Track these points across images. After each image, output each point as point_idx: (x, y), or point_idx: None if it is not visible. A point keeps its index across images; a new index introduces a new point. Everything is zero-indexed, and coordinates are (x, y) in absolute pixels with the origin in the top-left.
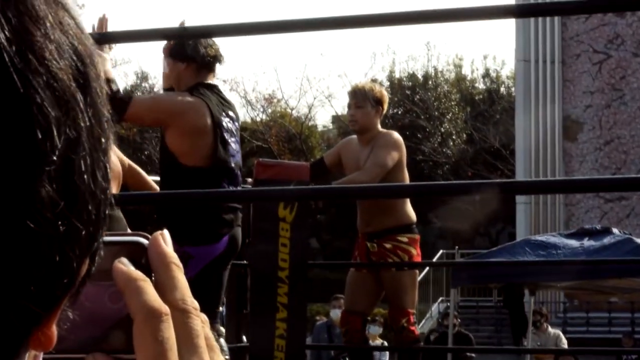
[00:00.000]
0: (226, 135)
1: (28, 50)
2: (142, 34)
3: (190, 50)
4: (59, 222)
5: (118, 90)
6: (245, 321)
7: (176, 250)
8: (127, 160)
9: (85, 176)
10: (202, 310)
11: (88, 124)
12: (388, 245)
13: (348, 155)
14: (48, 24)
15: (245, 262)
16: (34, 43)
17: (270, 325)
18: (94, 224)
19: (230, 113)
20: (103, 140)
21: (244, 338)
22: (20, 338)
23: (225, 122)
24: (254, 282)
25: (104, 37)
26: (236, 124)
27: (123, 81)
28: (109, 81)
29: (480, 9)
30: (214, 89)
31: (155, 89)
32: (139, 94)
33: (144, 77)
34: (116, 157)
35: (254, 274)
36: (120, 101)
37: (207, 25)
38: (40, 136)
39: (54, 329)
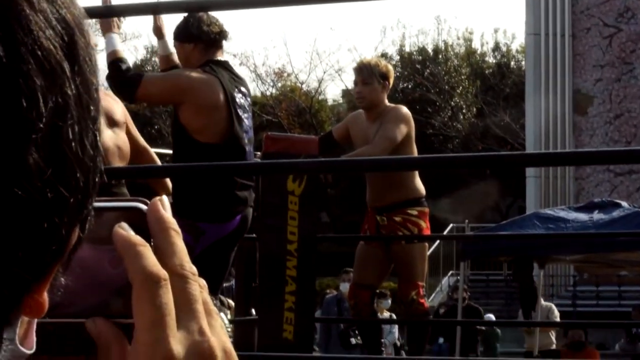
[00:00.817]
0: (239, 111)
1: (13, 21)
2: (151, 7)
3: (195, 30)
4: (47, 190)
5: (128, 69)
6: (254, 294)
7: (189, 224)
8: (143, 144)
9: (73, 144)
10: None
11: (75, 92)
12: (398, 219)
13: (356, 129)
14: None
15: (254, 235)
16: (19, 13)
17: (279, 298)
18: (83, 192)
19: (243, 89)
20: (92, 108)
21: (253, 311)
22: (10, 305)
23: (238, 97)
24: (262, 255)
25: (111, 10)
26: (248, 99)
27: (133, 55)
28: (119, 60)
29: None
30: (224, 64)
31: None
32: (149, 69)
33: (154, 52)
34: (126, 137)
35: (262, 247)
36: (131, 80)
37: None
38: (25, 104)
39: (45, 296)
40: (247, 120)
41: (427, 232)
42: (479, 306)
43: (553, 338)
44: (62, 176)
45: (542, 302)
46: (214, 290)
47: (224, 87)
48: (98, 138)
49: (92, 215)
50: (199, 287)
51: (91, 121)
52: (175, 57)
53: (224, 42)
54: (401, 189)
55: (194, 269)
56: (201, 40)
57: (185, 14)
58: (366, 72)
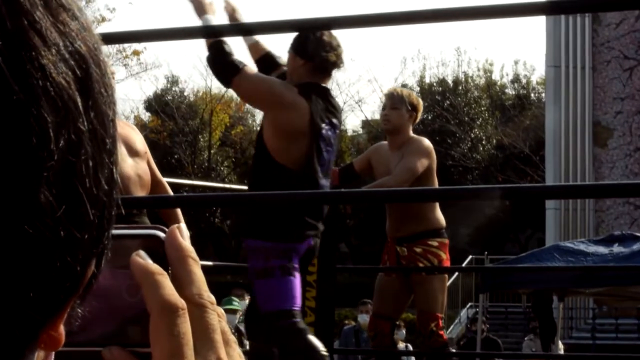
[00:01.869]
0: (322, 144)
1: (24, 56)
2: (167, 33)
3: (312, 49)
4: (59, 227)
5: (231, 52)
6: None
7: (276, 247)
8: (159, 176)
9: (87, 180)
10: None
11: (90, 126)
12: (418, 250)
13: (379, 160)
14: (46, 27)
15: None
16: (30, 48)
17: None
18: (98, 228)
19: (334, 120)
20: (107, 141)
21: None
22: (25, 342)
23: (325, 129)
24: None
25: (130, 36)
26: (336, 131)
27: (154, 85)
28: (222, 41)
29: (510, 6)
30: (324, 92)
31: (185, 93)
32: (169, 99)
33: (174, 81)
34: (146, 167)
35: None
36: (232, 65)
37: (239, 23)
38: (36, 142)
39: (61, 330)
40: (326, 154)
41: (447, 263)
42: (497, 338)
43: None
44: (75, 213)
45: None
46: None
47: (312, 116)
48: (115, 171)
49: (109, 248)
50: (217, 317)
51: (107, 155)
52: (264, 45)
53: (334, 71)
54: (422, 220)
55: (212, 298)
56: (313, 61)
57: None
58: (397, 98)
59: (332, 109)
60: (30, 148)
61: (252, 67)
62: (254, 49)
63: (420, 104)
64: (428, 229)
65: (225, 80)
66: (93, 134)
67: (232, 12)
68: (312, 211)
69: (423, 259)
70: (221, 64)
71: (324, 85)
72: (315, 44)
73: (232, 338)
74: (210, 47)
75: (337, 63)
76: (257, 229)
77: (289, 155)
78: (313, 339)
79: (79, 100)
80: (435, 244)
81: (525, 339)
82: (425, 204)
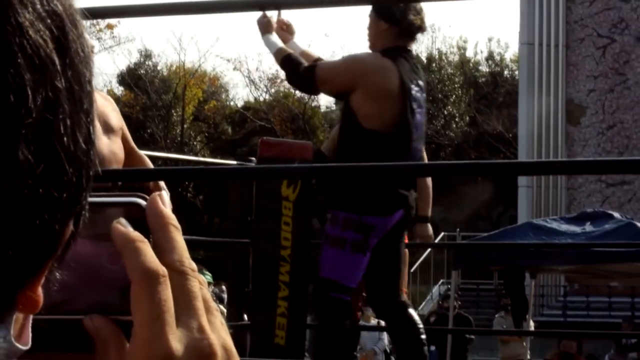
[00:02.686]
0: (414, 104)
1: (1, 15)
2: (142, 9)
3: (399, 14)
4: (38, 186)
5: (299, 63)
6: (247, 300)
7: (356, 221)
8: (135, 150)
9: (65, 138)
10: (386, 281)
11: (67, 85)
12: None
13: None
14: None
15: (247, 240)
16: (7, 6)
17: (272, 303)
18: (76, 187)
19: (420, 82)
20: (85, 100)
21: (245, 316)
22: (3, 302)
23: (415, 90)
24: (256, 260)
25: (102, 12)
26: (424, 94)
27: (127, 59)
28: (288, 56)
29: None
30: (408, 54)
31: (158, 67)
32: (142, 72)
33: (147, 55)
34: (121, 144)
35: (256, 252)
36: (307, 74)
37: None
38: (14, 100)
39: (40, 292)
40: (419, 115)
41: (406, 240)
42: (468, 315)
43: (528, 348)
44: (53, 172)
45: None
46: (395, 288)
47: (401, 76)
48: (92, 131)
49: (86, 210)
50: (198, 284)
51: (84, 114)
52: (312, 52)
53: (419, 34)
54: None
55: (194, 265)
56: (399, 25)
57: None
58: None
59: (417, 71)
60: (8, 106)
61: (322, 63)
62: (304, 56)
63: None
64: None
65: (311, 90)
66: (70, 93)
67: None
68: (403, 181)
69: None
70: (299, 76)
71: (408, 48)
72: (402, 8)
73: (214, 305)
74: (282, 66)
75: (422, 27)
76: (342, 200)
77: (382, 119)
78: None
79: (56, 58)
80: None
81: (496, 315)
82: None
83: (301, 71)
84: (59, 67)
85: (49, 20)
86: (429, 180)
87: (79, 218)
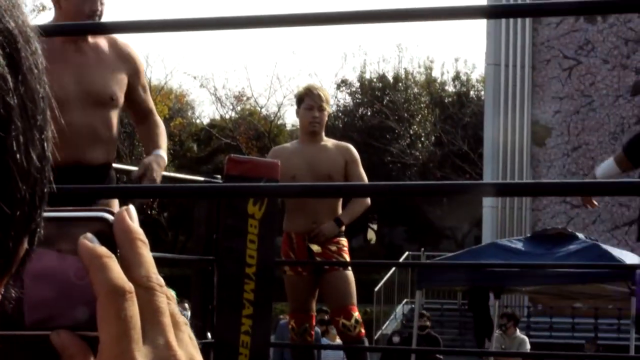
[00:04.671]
0: None
1: None
2: (106, 27)
3: None
4: None
5: None
6: (211, 317)
7: None
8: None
9: (18, 155)
10: None
11: (19, 102)
12: (333, 248)
13: (289, 159)
14: None
15: (212, 257)
16: None
17: (236, 321)
18: (30, 204)
19: None
20: (39, 117)
21: (209, 334)
22: None
23: None
24: (220, 278)
25: (67, 29)
26: None
27: None
28: None
29: (452, 9)
30: None
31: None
32: None
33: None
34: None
35: (221, 270)
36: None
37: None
38: None
39: None
40: None
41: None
42: (437, 335)
43: None
44: (6, 189)
45: (518, 333)
46: None
47: None
48: (46, 147)
49: (41, 227)
50: (166, 299)
51: (38, 131)
52: None
53: None
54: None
55: (161, 281)
56: None
57: None
58: (324, 99)
59: None
60: None
61: None
62: None
63: None
64: (340, 229)
65: None
66: (23, 110)
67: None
68: None
69: (338, 256)
70: None
71: None
72: None
73: (182, 320)
74: None
75: None
76: None
77: None
78: None
79: (8, 75)
80: (344, 242)
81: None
82: (338, 202)
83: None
84: (11, 84)
85: (0, 38)
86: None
87: (33, 235)
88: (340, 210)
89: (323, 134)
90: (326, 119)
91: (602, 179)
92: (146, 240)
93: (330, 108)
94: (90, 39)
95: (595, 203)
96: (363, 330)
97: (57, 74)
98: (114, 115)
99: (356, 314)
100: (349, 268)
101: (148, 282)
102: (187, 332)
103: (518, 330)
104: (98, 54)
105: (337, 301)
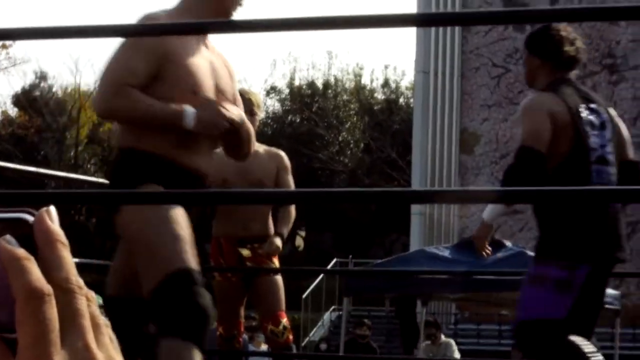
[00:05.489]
0: (586, 128)
1: None
2: (40, 32)
3: (551, 47)
4: None
5: (515, 169)
6: None
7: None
8: None
9: None
10: None
11: None
12: (262, 252)
13: (224, 163)
14: None
15: None
16: None
17: None
18: None
19: (592, 105)
20: None
21: None
22: None
23: (585, 113)
24: None
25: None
26: (602, 116)
27: (22, 80)
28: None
29: (382, 17)
30: (570, 82)
31: (54, 89)
32: (37, 94)
33: (43, 77)
34: None
35: None
36: (523, 161)
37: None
38: None
39: None
40: (595, 138)
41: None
42: (376, 347)
43: None
44: None
45: (443, 338)
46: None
47: (567, 104)
48: None
49: None
50: (85, 301)
51: None
52: None
53: (576, 65)
54: (265, 223)
55: (81, 283)
56: (551, 59)
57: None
58: (254, 103)
59: (585, 96)
60: None
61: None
62: None
63: None
64: (268, 233)
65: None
66: None
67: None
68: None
69: (268, 262)
70: (523, 171)
71: (567, 77)
72: (555, 41)
73: (103, 322)
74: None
75: (576, 57)
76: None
77: (556, 154)
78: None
79: None
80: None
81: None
82: (268, 207)
83: (519, 167)
84: None
85: None
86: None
87: None
88: (269, 216)
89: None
90: (257, 123)
91: (491, 220)
92: (66, 242)
93: (261, 113)
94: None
95: (488, 250)
96: (291, 337)
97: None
98: None
99: (284, 320)
100: (279, 274)
101: (67, 284)
102: (108, 334)
103: (443, 336)
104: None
105: (266, 307)
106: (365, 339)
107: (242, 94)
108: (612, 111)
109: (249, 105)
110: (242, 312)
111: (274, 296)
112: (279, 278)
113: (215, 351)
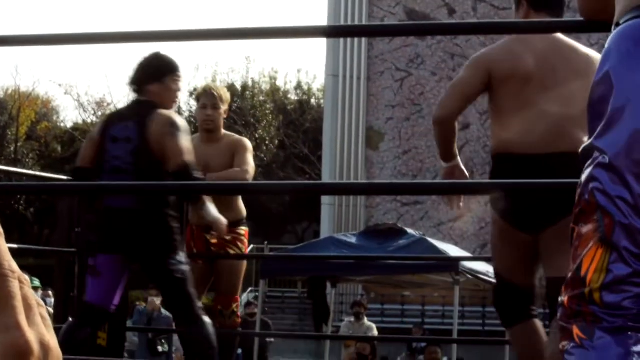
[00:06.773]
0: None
1: None
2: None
3: None
4: None
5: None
6: (72, 304)
7: None
8: None
9: None
10: None
11: None
12: (228, 237)
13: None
14: None
15: (74, 249)
16: None
17: None
18: None
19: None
20: None
21: (70, 319)
22: None
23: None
24: (81, 268)
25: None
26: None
27: None
28: None
29: (295, 29)
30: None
31: None
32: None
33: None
34: None
35: (81, 260)
36: None
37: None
38: None
39: None
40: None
41: (247, 249)
42: (268, 320)
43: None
44: None
45: (366, 320)
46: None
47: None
48: None
49: None
50: (18, 284)
51: None
52: None
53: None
54: (233, 209)
55: (14, 267)
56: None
57: None
58: (217, 97)
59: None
60: None
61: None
62: None
63: (229, 97)
64: (237, 218)
65: None
66: None
67: None
68: None
69: (233, 246)
70: None
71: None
72: None
73: (35, 303)
74: None
75: None
76: None
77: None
78: None
79: None
80: (242, 232)
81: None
82: (236, 197)
83: None
84: None
85: None
86: None
87: None
88: (236, 202)
89: (221, 131)
90: (222, 117)
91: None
92: (1, 230)
93: (226, 106)
94: None
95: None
96: (238, 321)
97: None
98: None
99: (234, 305)
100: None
101: (0, 269)
102: (40, 313)
103: (367, 319)
104: None
105: (220, 289)
106: (254, 317)
107: (206, 89)
108: None
109: (212, 100)
110: (204, 295)
111: (230, 281)
112: (239, 262)
113: (143, 328)
